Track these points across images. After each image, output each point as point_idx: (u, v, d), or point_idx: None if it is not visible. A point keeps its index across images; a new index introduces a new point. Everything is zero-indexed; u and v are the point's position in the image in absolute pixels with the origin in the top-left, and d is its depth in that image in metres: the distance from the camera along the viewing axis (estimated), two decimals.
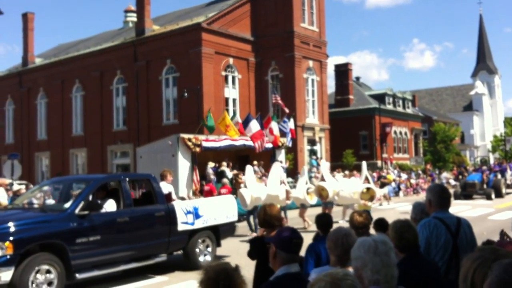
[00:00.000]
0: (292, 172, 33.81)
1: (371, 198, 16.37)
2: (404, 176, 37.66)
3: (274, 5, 39.95)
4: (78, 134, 45.47)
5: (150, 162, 26.28)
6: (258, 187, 16.90)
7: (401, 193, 34.58)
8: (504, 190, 30.37)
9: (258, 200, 16.39)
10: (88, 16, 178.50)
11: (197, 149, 25.34)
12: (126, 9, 54.22)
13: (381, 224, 6.55)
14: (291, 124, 28.93)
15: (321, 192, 16.95)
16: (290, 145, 29.59)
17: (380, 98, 53.14)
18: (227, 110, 36.39)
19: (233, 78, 39.51)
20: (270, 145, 27.81)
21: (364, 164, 17.90)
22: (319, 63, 42.28)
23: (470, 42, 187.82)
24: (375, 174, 34.65)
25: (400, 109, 56.25)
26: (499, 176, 31.42)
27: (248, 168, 17.60)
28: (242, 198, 16.12)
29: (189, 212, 11.08)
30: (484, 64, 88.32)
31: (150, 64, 39.74)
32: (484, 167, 35.01)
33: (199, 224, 11.30)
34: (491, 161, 53.13)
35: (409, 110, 58.54)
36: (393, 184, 34.50)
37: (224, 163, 25.35)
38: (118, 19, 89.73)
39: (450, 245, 4.44)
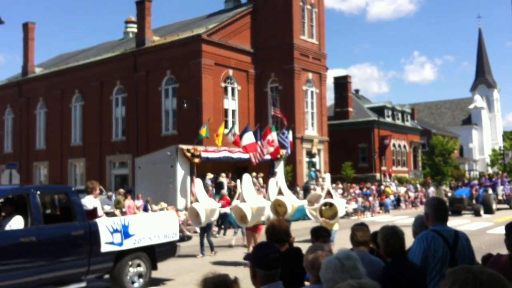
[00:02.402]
0: (291, 184, 33.74)
1: (334, 215, 14.25)
2: (402, 189, 37.64)
3: (274, 18, 40.15)
4: (77, 144, 45.44)
5: (149, 173, 26.33)
6: (211, 201, 15.36)
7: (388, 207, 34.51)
8: (494, 206, 28.66)
9: (213, 213, 15.03)
10: (89, 27, 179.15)
11: (196, 160, 25.39)
12: (127, 20, 54.43)
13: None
14: (289, 136, 28.95)
15: (277, 208, 14.58)
16: (287, 155, 29.64)
17: (379, 111, 53.20)
18: (226, 121, 36.51)
19: (233, 89, 39.59)
20: (268, 157, 27.87)
21: (327, 176, 15.58)
22: (319, 76, 42.41)
23: (471, 55, 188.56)
24: (373, 187, 34.61)
25: (399, 122, 56.36)
26: (490, 191, 29.72)
27: (197, 181, 15.68)
28: (195, 214, 14.26)
29: (116, 231, 9.74)
30: (483, 78, 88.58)
31: (150, 74, 39.83)
32: (474, 182, 33.22)
33: (128, 244, 9.94)
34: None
35: (408, 123, 58.64)
36: (392, 197, 34.50)
37: (223, 174, 25.35)
38: (119, 30, 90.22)
39: (448, 258, 4.43)
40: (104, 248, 9.52)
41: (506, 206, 30.75)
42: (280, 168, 31.34)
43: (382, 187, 35.89)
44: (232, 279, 2.85)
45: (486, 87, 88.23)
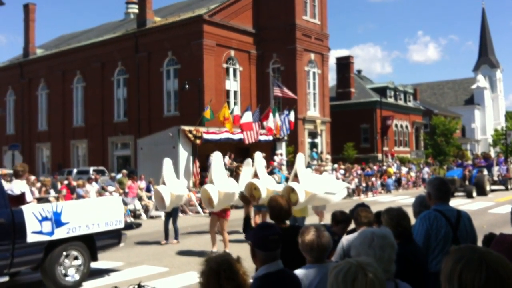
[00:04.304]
0: (293, 165, 33.81)
1: (296, 202, 12.09)
2: (404, 169, 37.68)
3: None
4: (79, 125, 45.49)
5: (151, 154, 26.36)
6: (179, 184, 14.38)
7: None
8: (488, 188, 27.38)
9: (179, 199, 14.15)
10: (90, 7, 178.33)
11: (198, 141, 25.42)
12: (128, 0, 54.09)
13: (380, 217, 6.53)
14: (291, 117, 29.00)
15: (253, 192, 13.06)
16: (284, 136, 29.83)
17: (382, 91, 53.10)
18: (228, 102, 36.46)
19: (234, 70, 39.47)
20: (268, 137, 28.05)
21: (299, 156, 13.43)
22: (321, 56, 42.22)
23: (475, 35, 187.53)
24: (375, 167, 34.63)
25: (401, 102, 56.22)
26: (485, 172, 28.26)
27: (166, 161, 14.30)
28: (160, 197, 13.43)
29: (45, 219, 8.65)
30: (486, 58, 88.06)
31: (151, 55, 39.69)
32: (468, 162, 31.24)
33: (61, 233, 8.85)
34: (492, 155, 52.66)
35: (410, 104, 58.51)
36: (394, 177, 34.59)
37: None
38: (120, 11, 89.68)
39: (450, 237, 4.46)
40: (31, 238, 8.47)
41: (502, 187, 29.91)
42: (282, 149, 31.36)
43: (384, 167, 35.93)
44: (234, 258, 2.87)
45: (489, 67, 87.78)
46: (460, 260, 1.81)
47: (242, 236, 14.19)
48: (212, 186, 12.09)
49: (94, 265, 9.59)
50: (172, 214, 14.16)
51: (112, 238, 9.95)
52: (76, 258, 9.23)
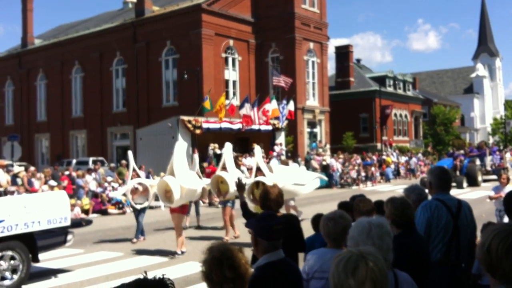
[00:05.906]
0: (293, 155, 33.84)
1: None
2: (404, 158, 37.65)
3: None
4: (78, 116, 45.43)
5: (150, 144, 26.43)
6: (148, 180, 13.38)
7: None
8: (480, 178, 26.60)
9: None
10: None
11: (198, 131, 25.45)
12: None
13: (380, 206, 6.54)
14: (290, 106, 28.98)
15: (219, 185, 12.17)
16: (282, 125, 29.90)
17: (381, 80, 52.99)
18: (227, 92, 36.40)
19: (233, 60, 39.34)
20: (267, 127, 28.08)
21: (257, 149, 12.47)
22: (320, 45, 42.09)
23: (476, 23, 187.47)
24: (374, 157, 34.63)
25: (400, 91, 56.12)
26: (477, 161, 27.61)
27: (129, 153, 13.18)
28: (135, 189, 12.38)
29: None
30: (485, 46, 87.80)
31: (149, 45, 39.55)
32: (460, 151, 30.12)
33: None
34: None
35: (410, 93, 58.42)
36: (393, 166, 34.61)
37: (216, 145, 25.38)
38: (118, 0, 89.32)
39: (451, 226, 4.48)
40: None
41: (495, 177, 27.97)
42: (281, 139, 31.40)
43: (384, 157, 35.91)
44: (237, 247, 2.89)
45: (488, 55, 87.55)
46: (494, 230, 2.07)
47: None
48: (172, 178, 10.96)
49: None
50: (142, 210, 13.47)
51: (56, 236, 9.22)
52: (13, 259, 8.54)
